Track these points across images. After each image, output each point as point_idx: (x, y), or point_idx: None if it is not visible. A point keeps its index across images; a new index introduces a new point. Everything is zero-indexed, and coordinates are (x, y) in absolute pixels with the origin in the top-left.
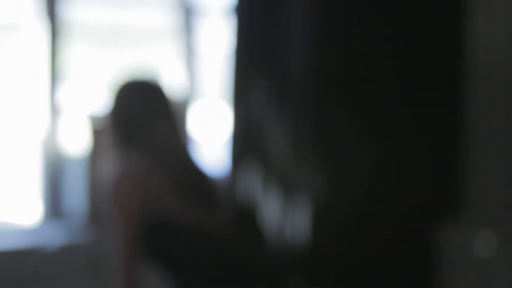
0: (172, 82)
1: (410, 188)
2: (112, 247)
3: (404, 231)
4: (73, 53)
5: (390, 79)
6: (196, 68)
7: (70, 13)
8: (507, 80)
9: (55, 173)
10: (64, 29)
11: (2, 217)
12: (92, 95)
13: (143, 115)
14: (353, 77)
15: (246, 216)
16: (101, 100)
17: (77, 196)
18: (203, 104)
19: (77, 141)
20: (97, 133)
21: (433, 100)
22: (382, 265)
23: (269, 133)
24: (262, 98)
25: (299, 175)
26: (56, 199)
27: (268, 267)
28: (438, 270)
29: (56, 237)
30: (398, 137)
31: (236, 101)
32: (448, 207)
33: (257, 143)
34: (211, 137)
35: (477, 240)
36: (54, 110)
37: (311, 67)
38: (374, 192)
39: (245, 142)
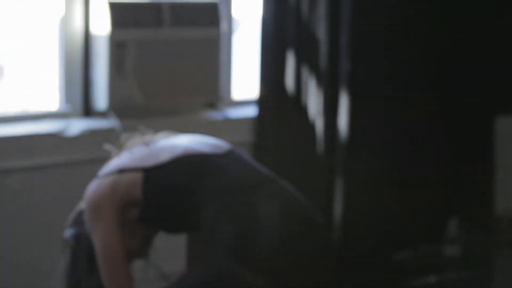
0: None
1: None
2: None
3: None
4: None
5: None
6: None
7: None
8: None
9: (73, 57)
10: None
11: (22, 103)
12: None
13: None
14: None
15: None
16: None
17: (98, 82)
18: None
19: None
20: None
21: None
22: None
23: None
24: None
25: None
26: (75, 84)
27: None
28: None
29: (77, 123)
30: None
31: None
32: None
33: None
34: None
35: None
36: None
37: None
38: None
39: None
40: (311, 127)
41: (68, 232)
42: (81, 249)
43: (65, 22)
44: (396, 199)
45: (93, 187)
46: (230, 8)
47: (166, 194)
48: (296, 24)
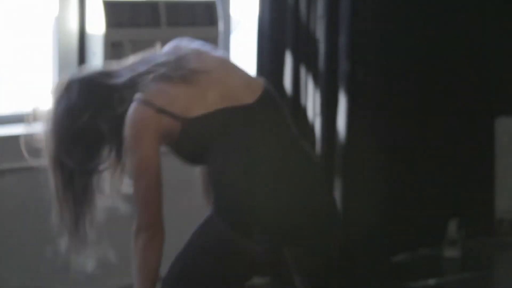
0: None
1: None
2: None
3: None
4: None
5: None
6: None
7: None
8: None
9: (68, 57)
10: None
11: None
12: None
13: None
14: None
15: None
16: None
17: None
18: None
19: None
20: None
21: None
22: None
23: None
24: None
25: None
26: None
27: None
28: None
29: None
30: None
31: None
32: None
33: None
34: None
35: None
36: None
37: None
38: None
39: None
40: (309, 127)
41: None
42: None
43: (60, 21)
44: (396, 201)
45: (140, 111)
46: (228, 7)
47: (199, 143)
48: (294, 24)
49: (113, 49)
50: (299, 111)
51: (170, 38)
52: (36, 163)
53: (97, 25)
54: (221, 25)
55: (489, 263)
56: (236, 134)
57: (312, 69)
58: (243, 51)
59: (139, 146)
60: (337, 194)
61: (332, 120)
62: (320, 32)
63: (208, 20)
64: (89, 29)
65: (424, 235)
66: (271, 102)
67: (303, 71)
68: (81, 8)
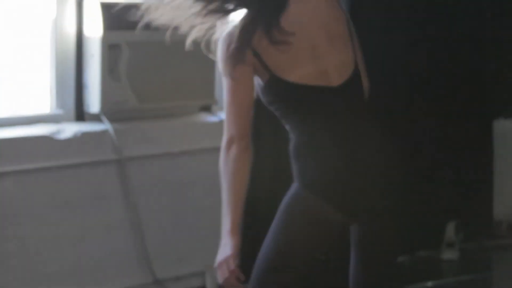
0: None
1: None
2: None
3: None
4: None
5: None
6: None
7: None
8: None
9: (66, 60)
10: None
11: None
12: None
13: None
14: None
15: None
16: None
17: (91, 85)
18: None
19: (91, 23)
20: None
21: None
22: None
23: None
24: None
25: None
26: (68, 87)
27: None
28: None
29: (69, 126)
30: None
31: None
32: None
33: None
34: None
35: None
36: None
37: None
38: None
39: None
40: None
41: None
42: None
43: (57, 24)
44: (393, 204)
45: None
46: None
47: (280, 104)
48: None
49: (111, 51)
50: None
51: (167, 40)
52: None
53: (94, 27)
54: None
55: (487, 265)
56: (318, 112)
57: None
58: None
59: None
60: None
61: None
62: None
63: None
64: (86, 32)
65: (422, 238)
66: (354, 88)
67: None
68: (78, 11)
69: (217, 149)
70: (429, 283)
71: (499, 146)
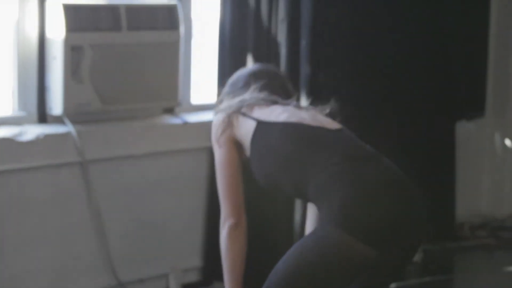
0: None
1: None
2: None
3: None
4: None
5: None
6: None
7: None
8: None
9: (28, 62)
10: None
11: None
12: None
13: None
14: None
15: None
16: None
17: (54, 87)
18: None
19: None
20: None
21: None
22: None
23: None
24: None
25: None
26: (30, 89)
27: None
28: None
29: (32, 128)
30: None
31: None
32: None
33: None
34: None
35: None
36: None
37: None
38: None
39: None
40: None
41: None
42: None
43: (19, 26)
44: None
45: (217, 118)
46: (189, 11)
47: (267, 152)
48: (256, 28)
49: (73, 53)
50: None
51: (131, 42)
52: None
53: (57, 29)
54: (182, 29)
55: (450, 267)
56: (329, 149)
57: None
58: (205, 54)
59: (216, 147)
60: None
61: None
62: (281, 35)
63: (169, 24)
64: (49, 34)
65: None
66: (350, 134)
67: None
68: (40, 12)
69: (180, 151)
70: (392, 285)
71: (461, 148)
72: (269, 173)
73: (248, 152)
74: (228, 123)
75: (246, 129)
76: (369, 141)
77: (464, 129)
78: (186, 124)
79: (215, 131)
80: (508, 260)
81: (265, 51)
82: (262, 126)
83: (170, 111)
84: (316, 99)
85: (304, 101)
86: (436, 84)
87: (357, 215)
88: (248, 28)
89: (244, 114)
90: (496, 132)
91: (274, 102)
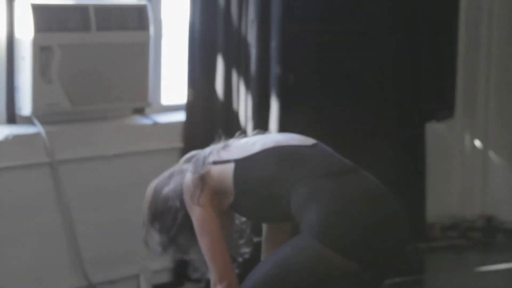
0: None
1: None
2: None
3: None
4: None
5: None
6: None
7: None
8: None
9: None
10: None
11: None
12: None
13: None
14: None
15: None
16: None
17: (23, 87)
18: None
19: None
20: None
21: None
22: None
23: None
24: None
25: None
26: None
27: None
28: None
29: (1, 128)
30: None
31: None
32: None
33: None
34: None
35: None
36: None
37: None
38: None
39: None
40: (241, 132)
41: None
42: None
43: None
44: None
45: (189, 177)
46: (159, 11)
47: (256, 182)
48: (226, 28)
49: (42, 53)
50: (231, 115)
51: (100, 42)
52: None
53: (25, 29)
54: (152, 30)
55: (421, 267)
56: (309, 164)
57: (244, 73)
58: (174, 55)
59: (195, 208)
60: None
61: (264, 124)
62: (251, 36)
63: (138, 24)
64: (17, 34)
65: None
66: (326, 147)
67: (234, 75)
68: (9, 12)
69: (150, 152)
70: None
71: (432, 149)
72: (260, 206)
73: (231, 196)
74: (202, 181)
75: (223, 175)
76: (340, 143)
77: (434, 130)
78: (156, 124)
79: (191, 195)
80: (479, 260)
81: (235, 52)
82: (241, 163)
83: (140, 111)
84: (286, 101)
85: (274, 102)
86: (405, 85)
87: (336, 228)
88: (218, 28)
89: (215, 163)
90: (466, 133)
91: (234, 141)
